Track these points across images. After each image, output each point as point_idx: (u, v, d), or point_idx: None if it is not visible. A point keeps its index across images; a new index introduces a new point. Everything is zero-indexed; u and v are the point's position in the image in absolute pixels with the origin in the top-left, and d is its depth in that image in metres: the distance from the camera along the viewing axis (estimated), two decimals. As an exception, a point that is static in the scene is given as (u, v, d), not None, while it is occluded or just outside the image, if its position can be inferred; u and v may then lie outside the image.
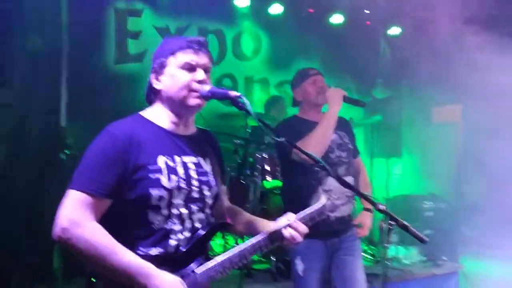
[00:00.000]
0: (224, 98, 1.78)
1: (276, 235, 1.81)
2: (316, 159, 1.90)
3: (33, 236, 3.91)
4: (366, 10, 6.76)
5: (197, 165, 1.77)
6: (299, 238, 1.82)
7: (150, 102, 1.84)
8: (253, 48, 6.68)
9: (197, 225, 1.73)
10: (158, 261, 1.63)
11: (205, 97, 1.77)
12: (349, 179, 2.80)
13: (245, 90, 6.57)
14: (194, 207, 1.73)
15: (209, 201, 1.79)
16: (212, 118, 5.17)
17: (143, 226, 1.65)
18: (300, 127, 2.77)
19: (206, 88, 1.76)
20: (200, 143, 1.84)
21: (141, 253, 1.64)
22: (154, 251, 1.66)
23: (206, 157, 1.83)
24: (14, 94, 4.68)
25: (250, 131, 4.65)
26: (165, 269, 1.61)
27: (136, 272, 1.55)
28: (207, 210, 1.79)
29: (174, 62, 1.74)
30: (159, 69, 1.76)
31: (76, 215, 1.56)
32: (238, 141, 4.75)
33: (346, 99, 2.80)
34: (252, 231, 1.90)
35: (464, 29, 5.01)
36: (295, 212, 1.91)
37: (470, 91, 4.95)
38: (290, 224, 1.82)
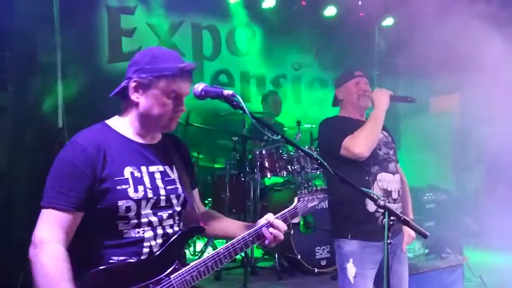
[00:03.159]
0: (218, 97, 1.76)
1: (255, 236, 1.85)
2: (314, 155, 1.90)
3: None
4: (359, 1, 6.73)
5: (163, 173, 1.78)
6: (280, 236, 1.88)
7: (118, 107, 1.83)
8: (248, 43, 6.64)
9: (169, 231, 1.76)
10: (133, 268, 1.64)
11: (199, 96, 1.77)
12: (398, 178, 2.74)
13: (241, 86, 6.54)
14: (163, 215, 1.74)
15: (178, 208, 1.80)
16: (209, 115, 5.15)
17: (115, 236, 1.66)
18: (346, 125, 2.71)
19: (200, 87, 1.76)
20: (166, 150, 1.84)
21: (114, 261, 1.64)
22: (128, 259, 1.66)
23: (173, 164, 1.83)
24: (9, 96, 4.63)
25: (247, 127, 4.62)
26: (141, 276, 1.63)
27: None
28: (176, 217, 1.80)
29: (162, 86, 1.71)
30: (143, 86, 1.71)
31: (43, 235, 1.56)
32: (236, 138, 4.73)
33: (393, 98, 2.77)
34: (229, 234, 1.93)
35: (458, 17, 5.00)
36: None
37: (467, 79, 4.96)
38: (271, 223, 1.87)
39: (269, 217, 1.89)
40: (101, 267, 1.60)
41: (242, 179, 4.51)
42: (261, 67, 6.68)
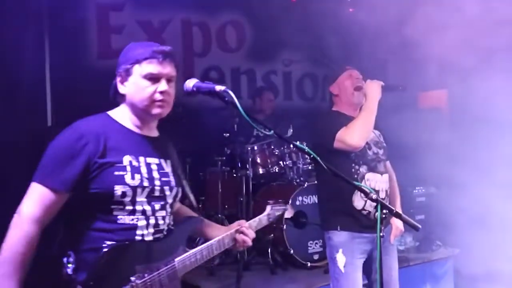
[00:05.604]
0: (210, 93, 1.80)
1: (231, 237, 2.03)
2: (306, 150, 1.94)
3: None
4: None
5: (159, 166, 1.87)
6: (249, 242, 2.05)
7: (116, 102, 1.91)
8: (238, 39, 6.63)
9: (160, 222, 1.83)
10: (143, 248, 1.74)
11: (190, 93, 1.82)
12: (386, 178, 2.77)
13: (232, 82, 6.53)
14: (156, 205, 1.82)
15: (170, 200, 1.89)
16: (199, 110, 5.13)
17: (109, 221, 1.72)
18: (340, 119, 2.72)
19: (191, 83, 1.81)
20: (162, 145, 1.95)
21: (107, 245, 1.69)
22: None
23: (168, 159, 1.93)
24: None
25: (237, 123, 4.61)
26: (150, 256, 1.74)
27: None
28: (168, 208, 1.88)
29: (139, 71, 1.79)
30: (124, 75, 1.82)
31: (25, 210, 1.65)
32: (227, 134, 4.73)
33: (385, 88, 2.79)
34: (204, 234, 2.09)
35: (444, 11, 5.02)
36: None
37: (456, 74, 4.98)
38: (242, 230, 2.04)
39: (242, 222, 2.08)
40: (114, 244, 1.68)
41: (234, 175, 4.52)
42: (251, 63, 6.67)
